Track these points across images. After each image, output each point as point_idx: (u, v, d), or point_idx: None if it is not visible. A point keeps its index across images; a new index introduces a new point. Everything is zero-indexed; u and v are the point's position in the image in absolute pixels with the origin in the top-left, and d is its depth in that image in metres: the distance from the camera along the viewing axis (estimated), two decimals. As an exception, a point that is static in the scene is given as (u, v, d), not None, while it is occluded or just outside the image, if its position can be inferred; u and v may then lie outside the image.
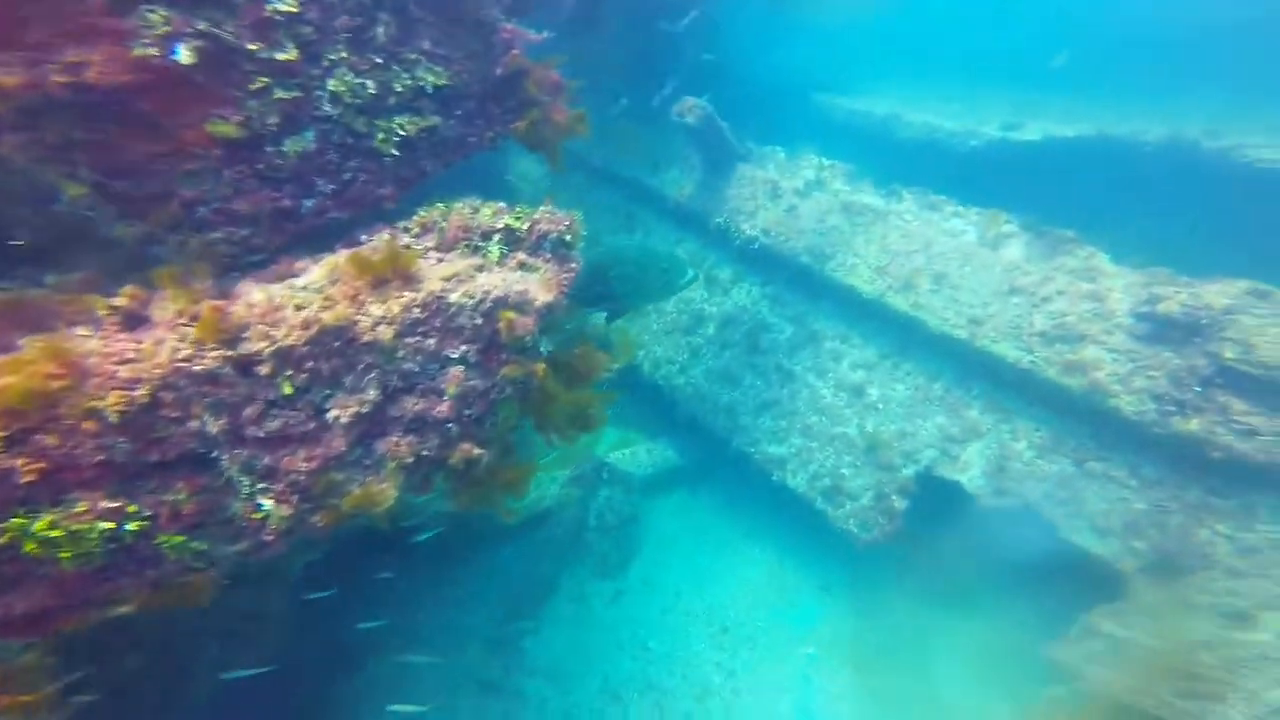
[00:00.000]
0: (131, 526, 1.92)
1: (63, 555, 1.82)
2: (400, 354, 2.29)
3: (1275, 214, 5.43)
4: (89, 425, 1.84)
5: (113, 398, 1.85)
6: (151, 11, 2.05)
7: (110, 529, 1.89)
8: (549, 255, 2.76)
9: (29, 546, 1.76)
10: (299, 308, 2.13)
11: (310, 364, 2.15)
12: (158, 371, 1.92)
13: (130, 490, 1.95)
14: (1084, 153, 6.14)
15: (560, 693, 4.47)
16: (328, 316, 2.14)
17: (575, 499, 5.30)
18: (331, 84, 2.43)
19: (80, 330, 2.07)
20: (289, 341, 2.09)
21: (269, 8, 2.24)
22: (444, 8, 2.65)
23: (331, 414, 2.20)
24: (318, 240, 2.62)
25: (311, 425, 2.20)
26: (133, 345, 1.96)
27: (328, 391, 2.22)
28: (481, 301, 2.40)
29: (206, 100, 2.21)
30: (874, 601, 5.20)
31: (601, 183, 6.55)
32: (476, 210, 2.72)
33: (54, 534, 1.79)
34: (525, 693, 4.43)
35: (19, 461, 1.78)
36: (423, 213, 2.71)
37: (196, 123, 2.21)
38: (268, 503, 2.16)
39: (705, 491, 6.01)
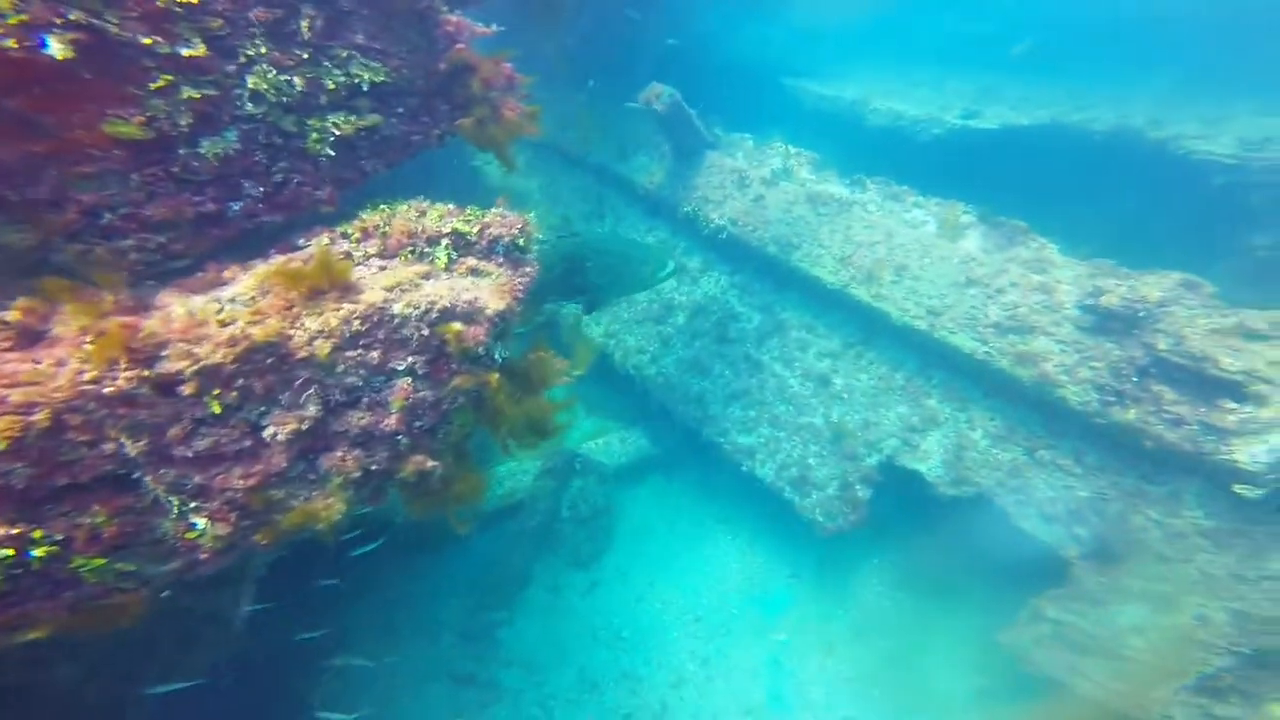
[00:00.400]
0: (38, 552, 1.80)
1: None
2: (340, 368, 2.18)
3: (1208, 202, 5.59)
4: None
5: (1, 424, 1.71)
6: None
7: (10, 555, 1.76)
8: (502, 259, 2.65)
9: None
10: (224, 323, 1.99)
11: (240, 381, 2.02)
12: (58, 395, 1.78)
13: (35, 515, 1.82)
14: (1039, 141, 6.20)
15: (536, 683, 4.48)
16: (257, 332, 2.01)
17: (548, 490, 5.25)
18: (252, 81, 2.25)
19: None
20: (214, 360, 1.96)
21: None
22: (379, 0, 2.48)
23: (269, 431, 2.09)
24: (251, 245, 2.47)
25: (247, 442, 2.08)
26: (28, 366, 1.81)
27: (263, 408, 2.10)
28: (427, 312, 2.30)
29: (98, 98, 2.01)
30: (842, 587, 5.31)
31: (575, 165, 6.39)
32: (423, 213, 2.59)
33: None
34: (501, 684, 4.42)
35: None
36: (365, 215, 2.57)
37: (89, 123, 2.01)
38: (201, 521, 2.05)
39: (678, 479, 6.03)
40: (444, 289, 2.35)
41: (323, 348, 2.11)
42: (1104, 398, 4.66)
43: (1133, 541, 4.84)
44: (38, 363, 1.82)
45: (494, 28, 2.73)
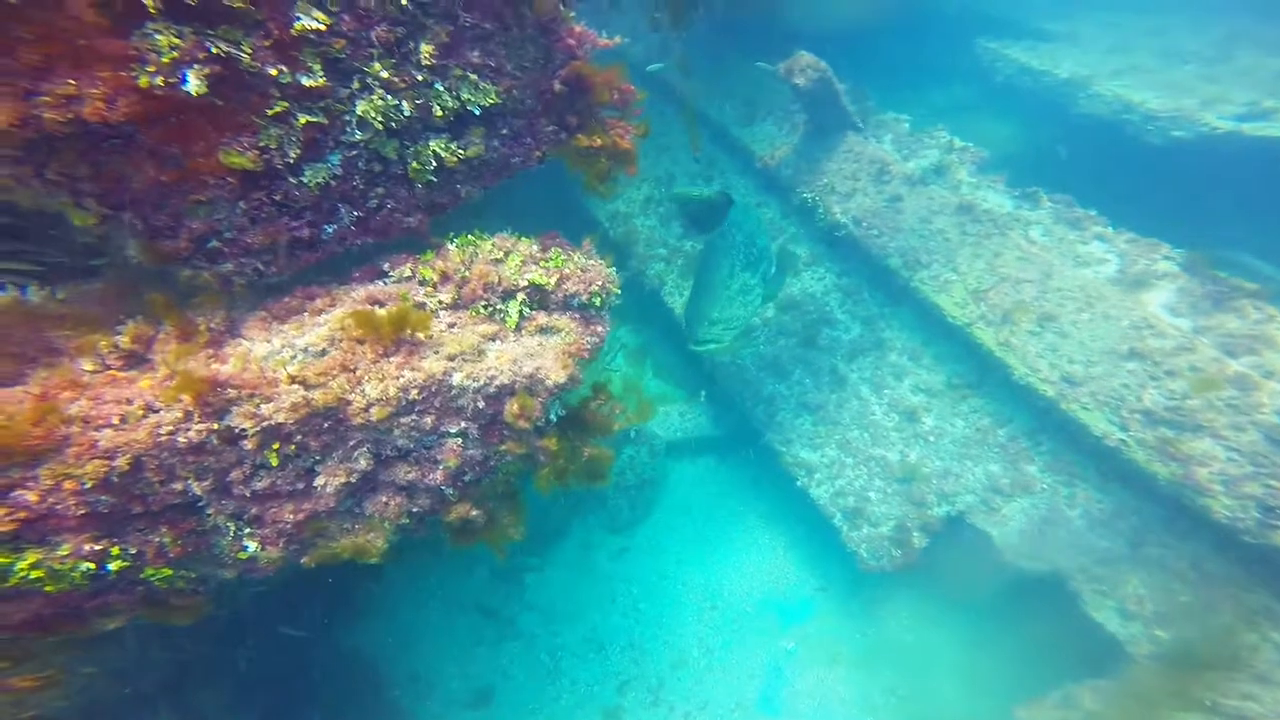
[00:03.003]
0: (114, 565, 2.01)
1: (46, 588, 1.95)
2: (395, 432, 2.17)
3: None
4: (69, 485, 1.86)
5: (91, 467, 1.85)
6: (160, 33, 1.72)
7: (92, 568, 1.99)
8: (576, 315, 2.46)
9: (13, 581, 1.88)
10: (291, 380, 2.00)
11: (299, 438, 2.07)
12: (138, 444, 1.88)
13: (115, 533, 2.02)
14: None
15: (550, 632, 4.85)
16: (318, 398, 2.01)
17: None
18: (361, 107, 2.06)
19: (84, 363, 2.03)
20: (276, 420, 1.99)
21: (296, 26, 1.85)
22: (501, 10, 2.12)
23: (320, 481, 2.16)
24: (338, 265, 2.41)
25: (300, 485, 2.18)
26: (119, 409, 1.91)
27: (317, 458, 2.16)
28: (485, 386, 2.20)
29: (220, 127, 1.93)
30: (868, 613, 5.25)
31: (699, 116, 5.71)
32: (505, 255, 2.40)
33: (35, 574, 1.90)
34: (519, 625, 4.85)
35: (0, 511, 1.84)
36: (450, 250, 2.41)
37: (209, 151, 1.95)
38: (253, 545, 2.21)
39: (731, 466, 5.94)
40: (506, 362, 2.23)
41: (379, 414, 2.09)
42: (1268, 519, 3.98)
43: (1230, 657, 4.38)
44: (129, 404, 1.92)
45: (619, 39, 2.31)
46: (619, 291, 2.48)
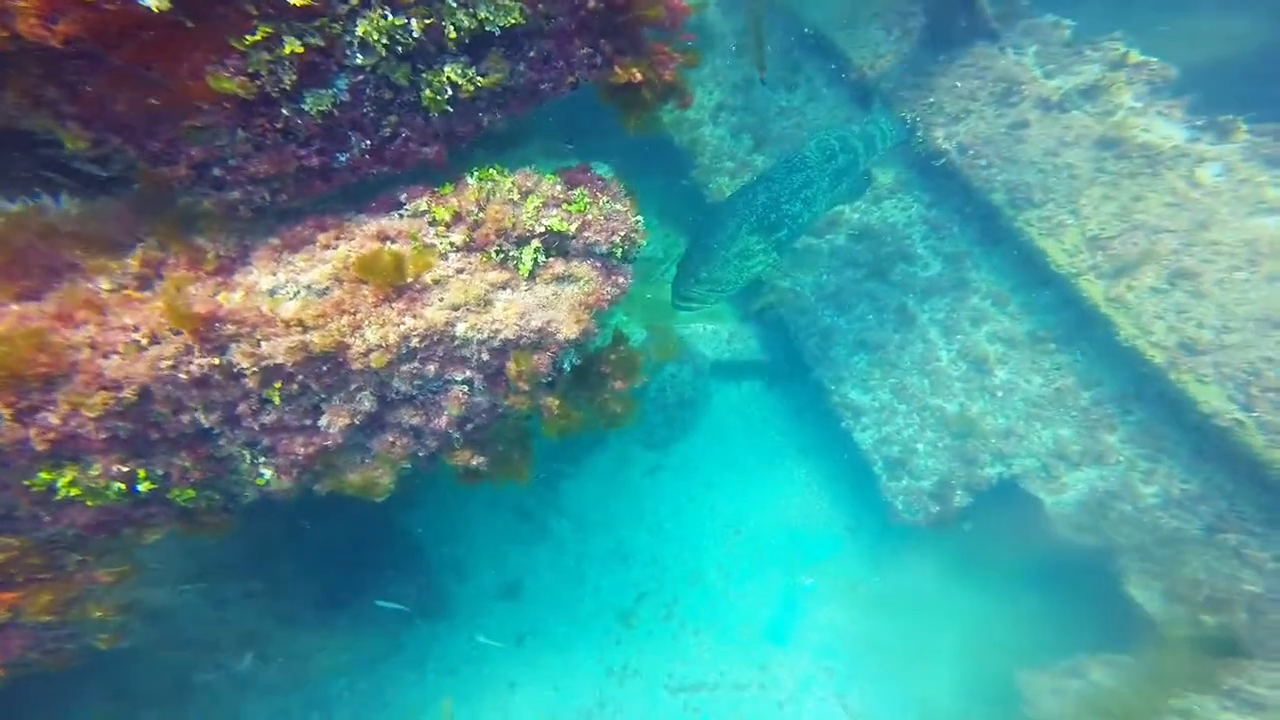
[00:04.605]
0: (143, 486, 2.11)
1: (87, 502, 2.07)
2: (396, 379, 2.09)
3: None
4: (85, 411, 1.90)
5: (99, 398, 1.87)
6: None
7: (123, 488, 2.08)
8: (597, 263, 2.22)
9: (60, 496, 2.01)
10: (288, 324, 1.91)
11: (300, 378, 2.02)
12: (139, 377, 1.88)
13: (140, 455, 2.09)
14: None
15: (579, 539, 5.06)
16: (316, 340, 1.93)
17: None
18: (362, 28, 1.77)
19: (102, 281, 2.00)
20: (275, 360, 1.94)
21: None
22: None
23: (324, 420, 2.14)
24: (354, 193, 2.22)
25: (307, 420, 2.17)
26: (124, 336, 1.89)
27: (321, 397, 2.12)
28: (490, 339, 2.05)
29: (202, 47, 1.70)
30: (894, 558, 5.17)
31: (771, 14, 4.85)
32: (524, 196, 2.14)
33: (74, 491, 2.01)
34: (551, 529, 5.09)
35: (32, 432, 1.91)
36: (469, 182, 2.16)
37: (196, 74, 1.73)
38: (268, 472, 2.27)
39: (776, 394, 5.71)
40: (514, 315, 2.06)
41: (379, 360, 2.00)
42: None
43: (1275, 648, 4.12)
44: (135, 331, 1.89)
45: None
46: (644, 242, 2.20)
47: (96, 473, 2.02)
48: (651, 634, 4.80)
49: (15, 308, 1.90)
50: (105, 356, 1.89)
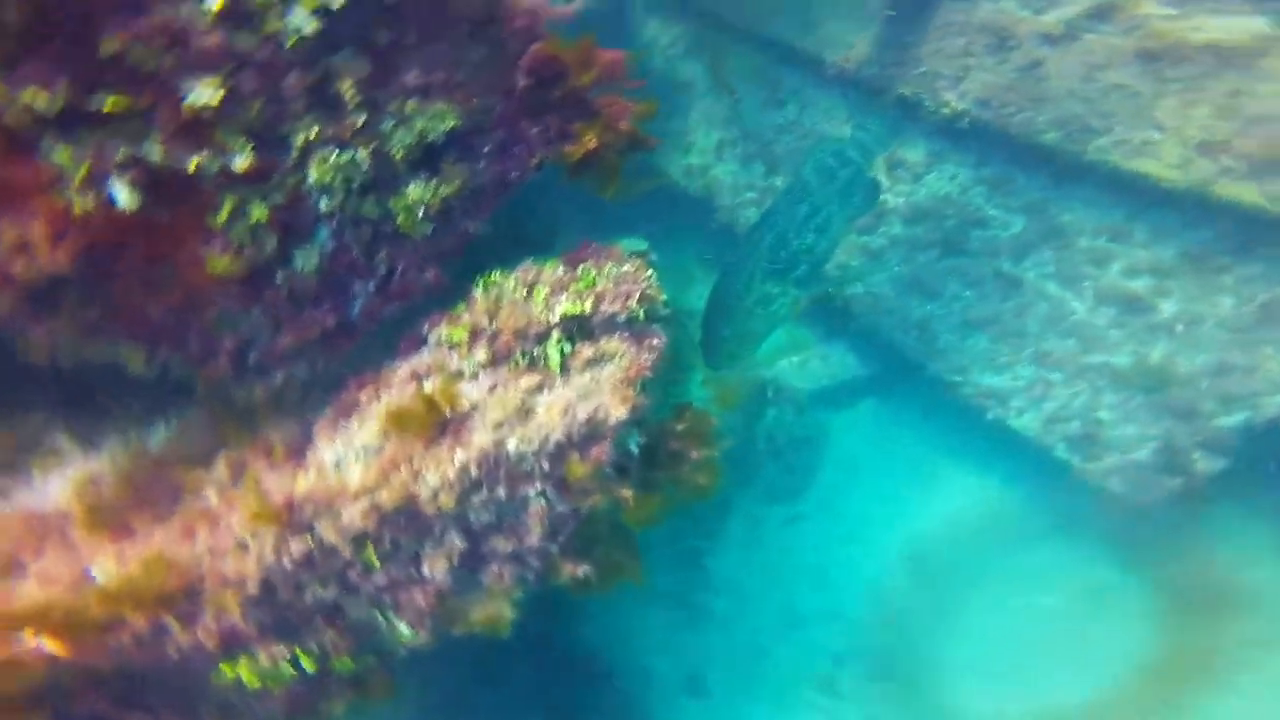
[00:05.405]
0: (307, 664, 2.23)
1: (273, 688, 2.22)
2: (471, 513, 2.08)
3: None
4: (225, 609, 2.07)
5: (230, 596, 2.03)
6: (55, 151, 1.62)
7: (291, 669, 2.22)
8: (626, 333, 2.11)
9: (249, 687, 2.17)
10: (357, 495, 1.99)
11: (386, 537, 2.08)
12: (254, 571, 2.02)
13: (291, 637, 2.23)
14: None
15: (744, 614, 4.58)
16: (385, 500, 1.98)
17: (739, 423, 4.87)
18: (314, 173, 1.90)
19: (208, 492, 2.23)
20: (357, 527, 2.01)
21: (188, 103, 1.67)
22: (420, 13, 1.79)
23: (425, 568, 2.17)
24: (381, 339, 2.35)
25: (414, 571, 2.21)
26: (230, 538, 2.06)
27: (416, 548, 2.16)
28: (542, 447, 1.99)
29: (188, 235, 1.85)
30: (1157, 547, 4.12)
31: (743, 41, 4.78)
32: (530, 290, 2.13)
33: (254, 680, 2.18)
34: (710, 610, 4.73)
35: (200, 634, 2.11)
36: (476, 296, 2.20)
37: (195, 262, 1.89)
38: (405, 628, 2.32)
39: (898, 403, 5.02)
40: (557, 412, 1.99)
41: (447, 500, 2.01)
42: None
43: None
44: (234, 530, 2.07)
45: (575, 2, 1.84)
46: (664, 297, 2.06)
47: (264, 660, 2.17)
48: (868, 697, 4.19)
49: (158, 535, 2.17)
50: (222, 559, 2.07)
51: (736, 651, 4.51)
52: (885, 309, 4.43)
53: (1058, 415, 3.88)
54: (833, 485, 4.93)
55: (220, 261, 1.89)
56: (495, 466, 2.03)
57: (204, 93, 1.64)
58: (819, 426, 5.03)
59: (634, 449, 2.18)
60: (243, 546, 2.04)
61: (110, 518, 2.19)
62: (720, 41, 4.84)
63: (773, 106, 4.74)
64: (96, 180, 1.66)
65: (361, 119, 1.89)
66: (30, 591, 2.05)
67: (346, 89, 1.84)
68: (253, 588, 2.05)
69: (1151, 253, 3.67)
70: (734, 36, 4.81)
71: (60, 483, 2.27)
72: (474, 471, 2.00)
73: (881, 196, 4.10)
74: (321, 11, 1.66)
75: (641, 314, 2.07)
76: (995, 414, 4.04)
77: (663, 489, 2.29)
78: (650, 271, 2.11)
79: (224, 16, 1.61)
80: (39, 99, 1.54)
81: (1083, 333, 3.85)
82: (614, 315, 2.06)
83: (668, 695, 4.49)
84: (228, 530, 2.09)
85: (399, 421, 1.98)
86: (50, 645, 2.05)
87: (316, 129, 1.85)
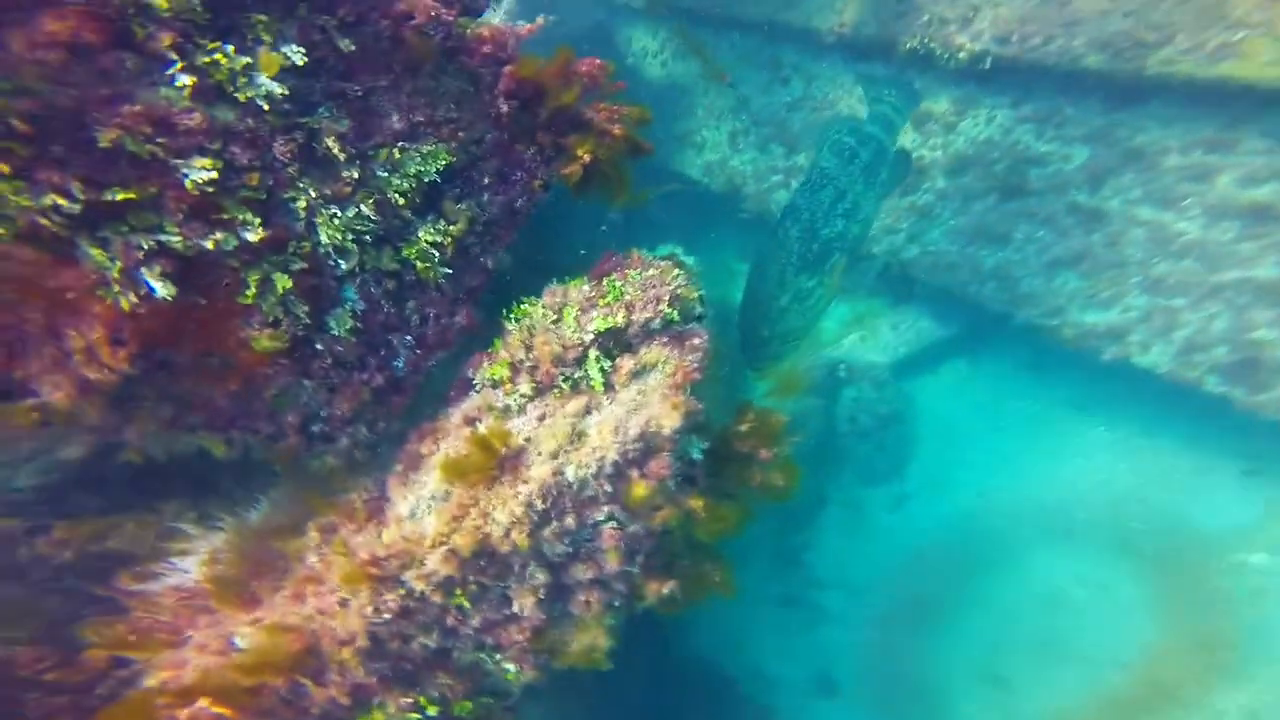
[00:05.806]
0: (431, 711, 2.31)
1: None
2: (546, 546, 2.07)
3: None
4: (346, 666, 2.17)
5: (345, 653, 2.13)
6: (90, 252, 1.71)
7: (418, 718, 2.31)
8: (665, 338, 2.04)
9: None
10: (434, 544, 2.04)
11: (472, 579, 2.11)
12: (357, 626, 2.11)
13: (412, 686, 2.32)
14: None
15: (860, 608, 4.32)
16: (461, 543, 2.01)
17: (815, 409, 4.59)
18: (324, 234, 1.97)
19: (311, 559, 2.38)
20: (441, 573, 2.06)
21: (189, 182, 1.73)
22: (384, 59, 1.82)
23: (515, 607, 2.18)
24: (431, 389, 2.41)
25: (506, 610, 2.23)
26: (334, 599, 2.17)
27: (503, 585, 2.18)
28: (600, 469, 1.95)
29: (229, 317, 1.94)
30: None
31: (729, 29, 4.60)
32: (559, 313, 2.10)
33: None
34: (823, 607, 4.44)
35: (333, 692, 2.23)
36: (510, 331, 2.21)
37: (243, 344, 1.98)
38: (511, 666, 2.35)
39: (990, 361, 4.59)
40: (608, 434, 1.94)
41: (520, 538, 2.01)
42: None
43: None
44: (335, 592, 2.18)
45: (541, 19, 1.81)
46: (699, 294, 1.97)
47: (393, 710, 2.27)
48: (1045, 682, 3.73)
49: (278, 600, 2.32)
50: (330, 618, 2.18)
51: (863, 651, 4.24)
52: (948, 264, 4.08)
53: (1195, 343, 3.38)
54: (937, 458, 4.55)
55: (263, 338, 1.98)
56: (559, 496, 2.01)
57: (201, 171, 1.71)
58: (904, 398, 4.68)
59: (697, 456, 2.10)
60: (344, 604, 2.14)
61: (235, 588, 2.38)
62: (704, 34, 4.73)
63: (777, 86, 4.54)
64: (132, 274, 1.75)
65: (355, 172, 1.94)
66: (193, 659, 2.26)
67: (333, 146, 1.89)
68: (362, 641, 2.14)
69: (1266, 159, 3.17)
70: (717, 26, 4.71)
71: (194, 561, 2.52)
72: (539, 504, 2.00)
73: (914, 154, 3.86)
74: (289, 73, 1.71)
75: (676, 315, 2.00)
76: (1111, 354, 3.59)
77: (736, 495, 2.18)
78: (678, 271, 2.03)
79: (198, 91, 1.67)
80: (61, 202, 1.64)
81: (1198, 251, 3.36)
82: (648, 322, 2.00)
83: (798, 698, 4.30)
84: (330, 591, 2.21)
85: (456, 470, 2.01)
86: (221, 711, 2.25)
87: (314, 191, 1.92)
